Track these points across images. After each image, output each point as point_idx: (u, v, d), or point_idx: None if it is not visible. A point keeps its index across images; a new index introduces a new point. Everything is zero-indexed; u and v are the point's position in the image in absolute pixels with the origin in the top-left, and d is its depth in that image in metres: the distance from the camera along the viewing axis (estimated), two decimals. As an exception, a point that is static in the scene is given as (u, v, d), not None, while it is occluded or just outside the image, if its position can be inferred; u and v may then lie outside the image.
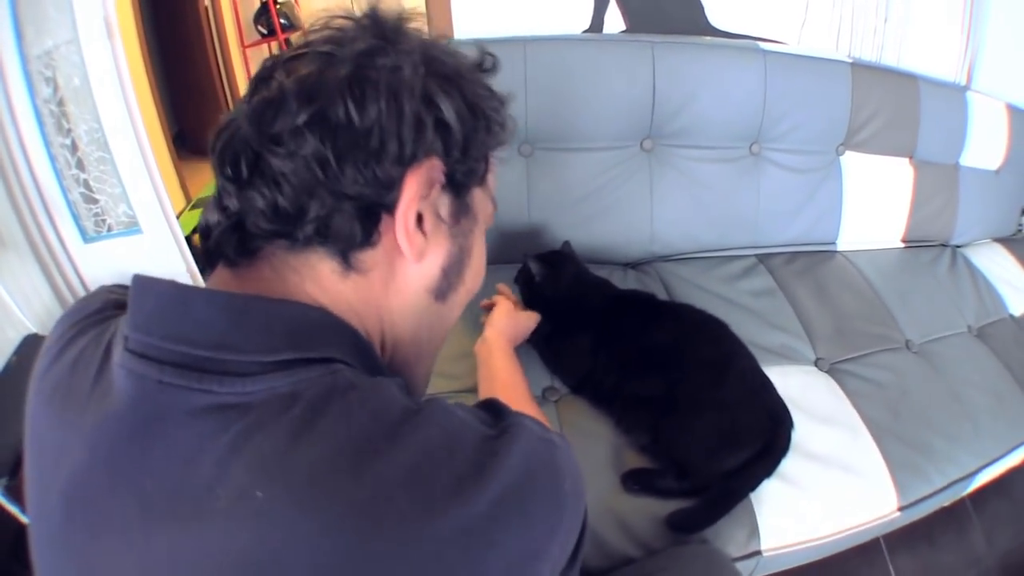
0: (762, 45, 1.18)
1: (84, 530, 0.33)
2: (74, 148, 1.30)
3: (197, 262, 1.31)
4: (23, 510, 0.83)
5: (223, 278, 0.37)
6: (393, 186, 0.35)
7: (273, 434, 0.29)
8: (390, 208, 0.36)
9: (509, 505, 0.30)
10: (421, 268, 0.39)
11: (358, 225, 0.35)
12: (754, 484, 0.80)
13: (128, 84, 1.36)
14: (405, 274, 0.38)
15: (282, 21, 2.67)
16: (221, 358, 0.31)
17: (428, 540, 0.28)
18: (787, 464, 0.84)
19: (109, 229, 1.36)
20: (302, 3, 2.88)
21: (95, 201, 1.32)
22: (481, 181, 0.41)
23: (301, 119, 0.33)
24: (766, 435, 0.83)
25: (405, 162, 0.35)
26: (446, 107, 0.36)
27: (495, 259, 1.06)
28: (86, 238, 1.34)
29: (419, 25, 0.40)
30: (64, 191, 1.30)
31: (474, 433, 0.32)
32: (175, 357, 0.31)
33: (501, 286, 0.97)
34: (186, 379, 0.31)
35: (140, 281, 0.34)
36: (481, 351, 0.84)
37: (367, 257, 0.36)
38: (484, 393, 0.78)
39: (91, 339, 0.37)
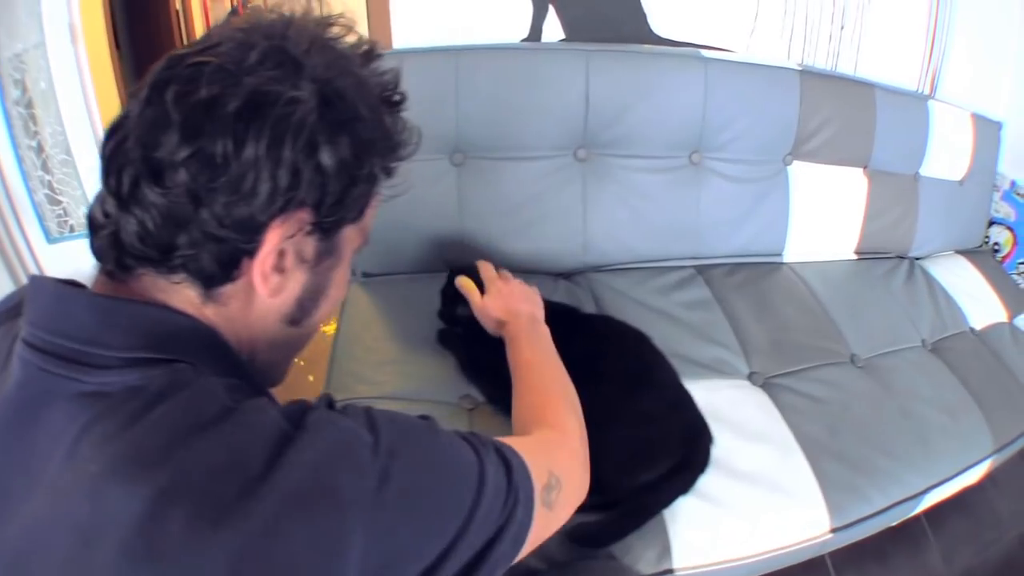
0: (704, 53, 1.16)
1: None
2: (40, 150, 1.33)
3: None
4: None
5: (105, 283, 0.40)
6: (258, 232, 0.37)
7: (115, 419, 0.33)
8: (251, 253, 0.38)
9: (291, 510, 0.32)
10: (277, 302, 0.42)
11: (219, 267, 0.37)
12: (668, 500, 0.77)
13: (91, 89, 1.39)
14: (261, 304, 0.41)
15: None
16: (90, 351, 0.35)
17: (215, 529, 0.31)
18: (708, 481, 0.81)
19: (72, 230, 1.38)
20: (271, 5, 2.90)
21: (59, 203, 1.34)
22: (355, 219, 0.43)
23: (181, 154, 0.34)
24: (682, 450, 0.80)
25: (273, 212, 0.37)
26: (327, 156, 0.37)
27: (423, 268, 1.07)
28: (50, 239, 1.36)
29: (339, 31, 0.41)
30: (30, 192, 1.32)
31: (271, 432, 0.35)
32: (56, 348, 0.35)
33: (481, 263, 0.87)
34: (63, 368, 0.35)
35: (35, 281, 0.39)
36: (507, 336, 0.75)
37: (226, 291, 0.39)
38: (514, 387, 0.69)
39: (4, 331, 0.40)
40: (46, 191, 1.34)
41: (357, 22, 0.43)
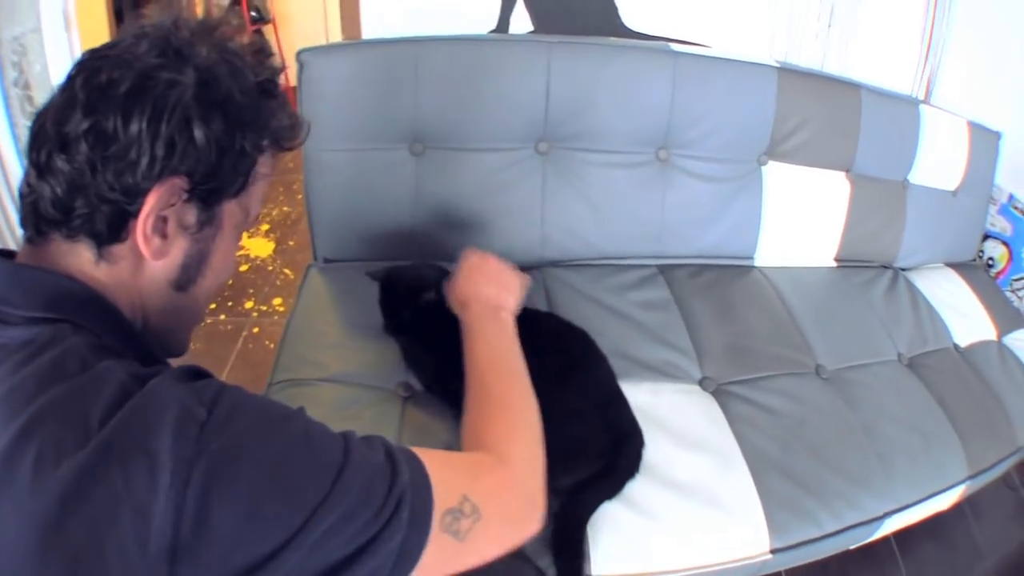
0: (674, 47, 1.12)
1: None
2: None
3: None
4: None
5: (26, 250, 0.45)
6: (139, 196, 0.42)
7: (8, 367, 0.39)
8: (135, 214, 0.42)
9: (112, 458, 0.35)
10: (162, 265, 0.46)
11: (108, 227, 0.42)
12: (593, 506, 0.73)
13: None
14: (147, 267, 0.45)
15: (253, 14, 2.68)
16: (2, 310, 0.41)
17: (51, 469, 0.34)
18: (637, 488, 0.77)
19: None
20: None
21: None
22: (235, 195, 0.47)
23: (83, 127, 0.40)
24: (608, 454, 0.75)
25: (153, 177, 0.42)
26: (200, 132, 0.42)
27: (382, 255, 1.05)
28: None
29: (225, 32, 0.47)
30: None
31: (116, 389, 0.38)
32: None
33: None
34: None
35: None
36: (465, 323, 0.71)
37: (116, 250, 0.44)
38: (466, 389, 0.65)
39: None
40: None
41: (247, 29, 0.49)
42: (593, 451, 0.74)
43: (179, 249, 0.46)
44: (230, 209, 0.48)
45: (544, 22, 1.15)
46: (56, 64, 1.43)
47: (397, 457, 0.44)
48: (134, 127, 0.40)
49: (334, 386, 0.85)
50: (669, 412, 0.86)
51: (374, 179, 1.06)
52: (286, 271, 1.87)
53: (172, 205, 0.43)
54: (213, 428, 0.37)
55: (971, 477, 0.97)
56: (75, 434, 0.35)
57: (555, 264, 1.10)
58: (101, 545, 0.33)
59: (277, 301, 1.76)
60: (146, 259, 0.44)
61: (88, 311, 0.43)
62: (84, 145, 0.40)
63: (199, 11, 2.72)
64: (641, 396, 0.85)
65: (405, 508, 0.41)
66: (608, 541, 0.72)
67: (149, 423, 0.36)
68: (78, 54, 1.59)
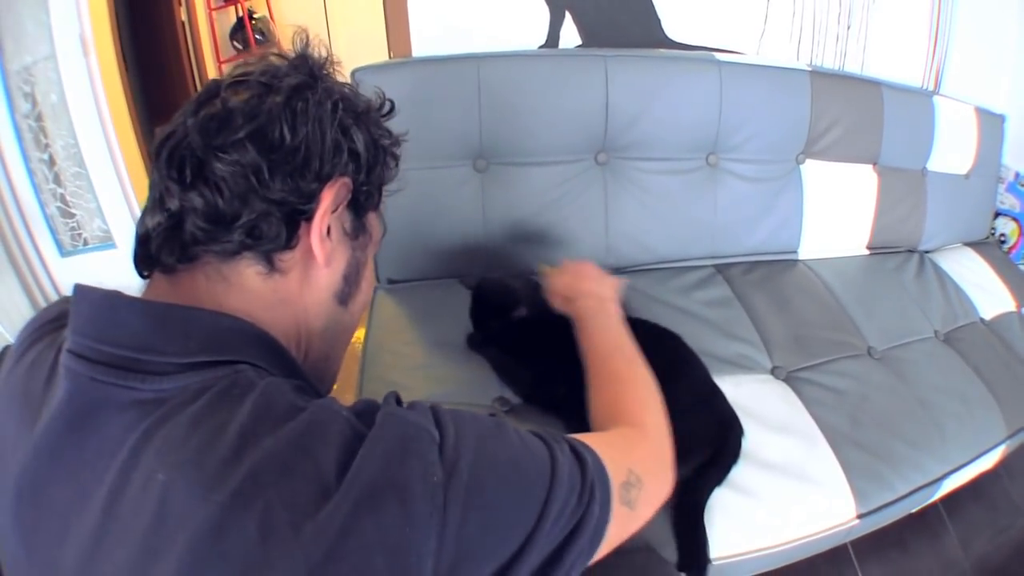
0: (718, 56, 1.19)
1: (30, 515, 0.37)
2: (51, 163, 1.33)
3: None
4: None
5: (159, 285, 0.41)
6: (312, 197, 0.42)
7: (177, 424, 0.33)
8: (308, 216, 0.42)
9: (363, 507, 0.32)
10: (328, 274, 0.45)
11: (283, 228, 0.41)
12: (708, 493, 0.80)
13: (103, 101, 1.39)
14: (317, 276, 0.45)
15: (257, 37, 2.70)
16: (144, 359, 0.35)
17: (291, 536, 0.31)
18: (739, 473, 0.83)
19: (85, 243, 1.40)
20: (277, 18, 2.91)
21: (71, 216, 1.36)
22: (376, 207, 0.49)
23: (243, 132, 0.39)
24: (715, 443, 0.82)
25: (323, 178, 0.42)
26: (357, 138, 0.44)
27: (447, 273, 1.09)
28: (63, 252, 1.37)
29: (337, 70, 0.48)
30: (42, 205, 1.33)
31: (343, 431, 0.35)
32: (105, 357, 0.35)
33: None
34: (114, 377, 0.35)
35: (79, 290, 0.39)
36: (576, 316, 0.75)
37: (287, 258, 0.42)
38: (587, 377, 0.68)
39: (46, 345, 0.41)
40: (58, 204, 1.34)
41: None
42: (704, 442, 0.81)
43: (341, 257, 0.46)
44: (373, 220, 0.49)
45: (592, 36, 1.20)
46: (75, 92, 1.37)
47: (579, 449, 0.45)
48: (301, 131, 0.41)
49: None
50: (751, 401, 0.94)
51: (439, 197, 1.08)
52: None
53: (334, 211, 0.44)
54: (451, 446, 0.37)
55: (1010, 436, 1.07)
56: (310, 489, 0.32)
57: (620, 271, 1.16)
58: None
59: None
60: (313, 270, 0.44)
61: (256, 350, 0.40)
62: (248, 149, 0.39)
63: (203, 30, 2.68)
64: (726, 388, 0.92)
65: (598, 490, 0.43)
66: (721, 525, 0.79)
67: (391, 456, 0.34)
68: (98, 80, 1.51)
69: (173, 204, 0.39)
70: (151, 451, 0.33)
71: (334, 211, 0.43)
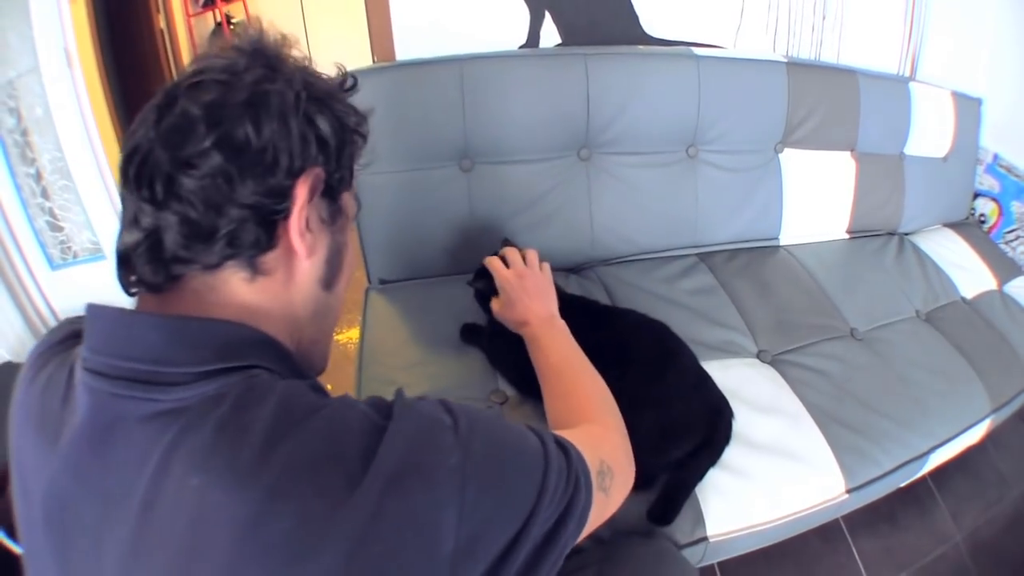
0: (696, 50, 1.21)
1: (60, 533, 0.38)
2: (38, 177, 1.33)
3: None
4: (8, 533, 0.85)
5: (149, 302, 0.41)
6: (286, 195, 0.42)
7: (203, 431, 0.34)
8: (284, 215, 0.42)
9: (390, 492, 0.34)
10: (311, 264, 0.45)
11: (262, 231, 0.41)
12: (701, 474, 0.83)
13: (89, 113, 1.38)
14: (300, 270, 0.45)
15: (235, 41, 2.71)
16: (162, 371, 0.36)
17: (328, 522, 0.32)
18: (730, 453, 0.86)
19: (75, 256, 1.40)
20: (255, 22, 2.92)
21: (60, 229, 1.36)
22: (349, 186, 0.49)
23: (209, 142, 0.38)
24: (707, 427, 0.85)
25: (295, 173, 0.42)
26: (323, 124, 0.44)
27: (438, 272, 1.11)
28: (53, 265, 1.37)
29: (295, 50, 0.47)
30: (30, 219, 1.33)
31: (364, 424, 0.37)
32: (124, 372, 0.36)
33: (507, 249, 0.90)
34: (134, 390, 0.36)
35: (92, 309, 0.39)
36: (527, 338, 0.79)
37: (269, 259, 0.42)
38: (544, 391, 0.74)
39: (56, 366, 0.42)
40: (47, 218, 1.34)
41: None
42: (696, 426, 0.83)
43: (322, 244, 0.46)
44: (348, 200, 0.49)
45: (571, 34, 1.22)
46: (61, 105, 1.35)
47: (560, 440, 0.48)
48: (266, 129, 0.40)
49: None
50: (740, 384, 0.96)
51: (426, 198, 1.10)
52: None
53: (310, 202, 0.43)
54: (464, 431, 0.39)
55: (995, 410, 1.10)
56: (340, 479, 0.34)
57: (605, 263, 1.19)
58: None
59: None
60: (296, 263, 0.44)
61: (265, 353, 0.41)
62: (217, 156, 0.38)
63: (182, 37, 2.69)
64: (714, 373, 0.94)
65: (581, 476, 0.46)
66: (715, 505, 0.82)
67: (412, 444, 0.36)
68: (83, 92, 1.50)
69: (148, 222, 0.39)
70: (180, 458, 0.34)
71: (309, 202, 0.43)
